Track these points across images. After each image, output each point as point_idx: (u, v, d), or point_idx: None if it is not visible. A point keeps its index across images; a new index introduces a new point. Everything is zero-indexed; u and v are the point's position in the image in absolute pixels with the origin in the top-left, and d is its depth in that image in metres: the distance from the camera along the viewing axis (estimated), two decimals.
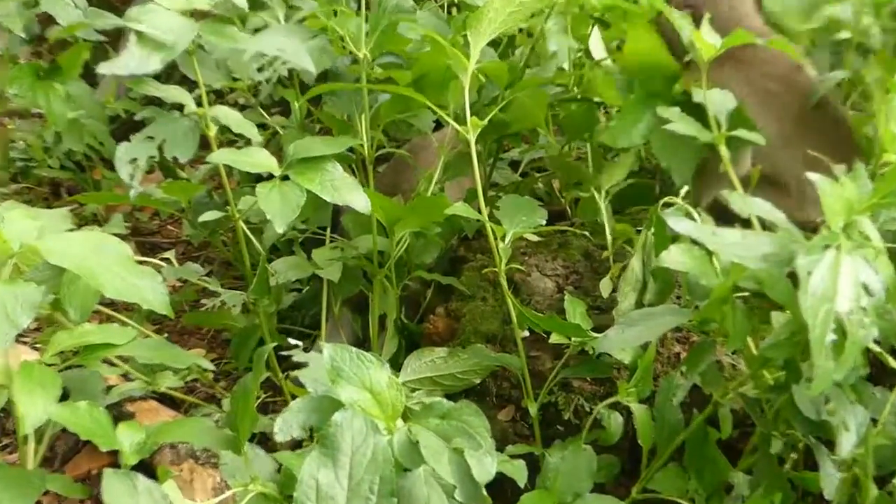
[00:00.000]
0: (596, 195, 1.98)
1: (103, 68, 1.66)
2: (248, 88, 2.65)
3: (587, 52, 2.26)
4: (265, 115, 2.67)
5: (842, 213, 1.25)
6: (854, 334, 1.16)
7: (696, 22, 1.75)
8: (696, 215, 1.56)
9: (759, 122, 1.80)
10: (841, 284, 1.18)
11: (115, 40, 2.66)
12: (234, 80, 2.51)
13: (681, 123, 1.71)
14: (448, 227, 2.03)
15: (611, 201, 2.00)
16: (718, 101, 1.73)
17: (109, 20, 1.89)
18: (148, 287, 1.40)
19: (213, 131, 1.76)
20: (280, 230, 1.59)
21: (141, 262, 1.45)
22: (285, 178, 1.66)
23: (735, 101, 1.73)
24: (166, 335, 2.27)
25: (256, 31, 2.26)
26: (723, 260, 1.37)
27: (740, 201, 1.35)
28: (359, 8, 1.90)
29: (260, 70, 2.26)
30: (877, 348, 1.28)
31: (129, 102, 2.91)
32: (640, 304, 1.68)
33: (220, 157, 1.70)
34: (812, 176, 1.25)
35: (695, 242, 1.35)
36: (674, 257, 1.37)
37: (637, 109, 1.85)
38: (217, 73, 2.45)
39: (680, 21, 1.75)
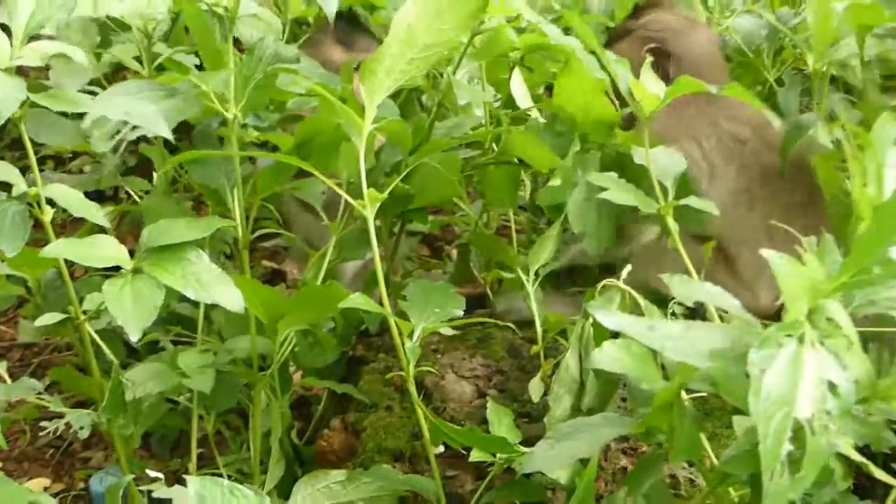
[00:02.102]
0: (522, 277, 2.01)
1: None
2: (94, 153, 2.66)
3: (507, 102, 2.29)
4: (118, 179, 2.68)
5: (804, 296, 1.24)
6: (815, 444, 1.17)
7: (661, 62, 1.81)
8: (640, 301, 1.61)
9: (720, 177, 1.86)
10: (802, 384, 1.18)
11: None
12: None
13: (618, 191, 1.75)
14: (343, 323, 2.06)
15: (541, 283, 2.02)
16: (665, 162, 1.78)
17: None
18: None
19: (48, 216, 1.77)
20: (134, 337, 1.61)
21: None
22: (139, 270, 1.68)
23: (685, 164, 1.78)
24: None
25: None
26: (667, 358, 1.39)
27: (682, 285, 1.38)
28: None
29: (116, 135, 2.28)
30: (858, 457, 1.25)
31: None
32: (577, 410, 1.71)
33: (58, 250, 1.72)
34: (766, 252, 1.26)
35: None
36: (609, 355, 1.38)
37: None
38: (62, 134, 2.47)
39: (615, 67, 1.80)
